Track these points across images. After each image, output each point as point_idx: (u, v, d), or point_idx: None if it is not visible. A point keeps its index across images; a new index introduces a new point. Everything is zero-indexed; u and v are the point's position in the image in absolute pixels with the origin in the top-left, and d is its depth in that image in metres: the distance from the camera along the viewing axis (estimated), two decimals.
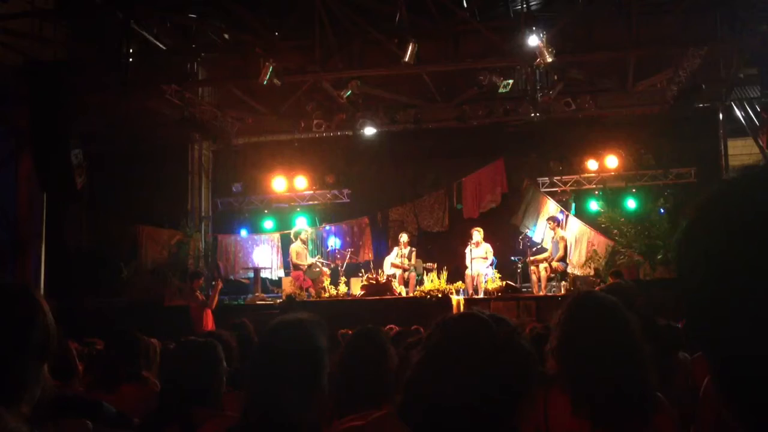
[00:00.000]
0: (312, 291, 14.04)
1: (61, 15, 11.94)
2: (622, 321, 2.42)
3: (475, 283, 13.45)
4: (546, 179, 15.70)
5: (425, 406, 1.46)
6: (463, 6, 12.80)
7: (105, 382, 4.23)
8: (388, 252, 15.01)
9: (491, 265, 13.73)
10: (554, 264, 13.47)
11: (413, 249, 14.48)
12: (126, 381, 4.12)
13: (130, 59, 11.90)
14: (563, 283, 13.38)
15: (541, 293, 13.13)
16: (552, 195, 15.54)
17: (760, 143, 14.28)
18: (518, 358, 1.49)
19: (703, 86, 13.21)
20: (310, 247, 15.42)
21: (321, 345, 2.27)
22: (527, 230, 15.13)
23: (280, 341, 2.30)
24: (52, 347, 1.67)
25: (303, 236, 14.83)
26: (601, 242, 14.38)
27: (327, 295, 13.87)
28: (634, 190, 15.10)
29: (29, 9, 11.54)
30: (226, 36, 13.83)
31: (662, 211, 14.31)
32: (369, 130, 14.96)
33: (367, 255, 16.09)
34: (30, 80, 11.10)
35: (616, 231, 14.26)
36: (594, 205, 15.31)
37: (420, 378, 1.51)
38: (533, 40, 11.71)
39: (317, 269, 14.34)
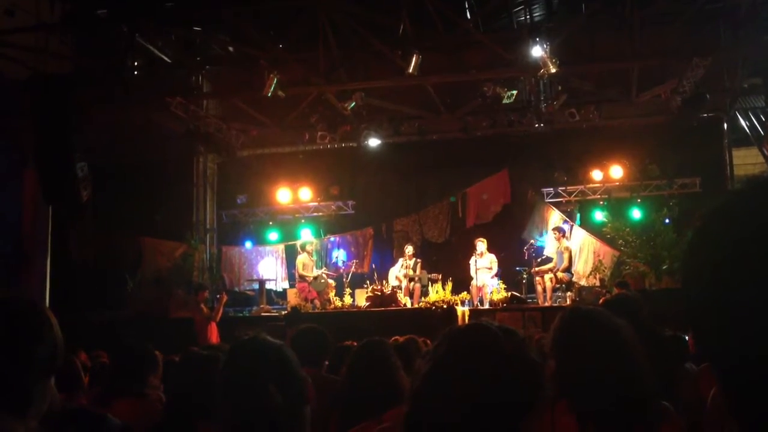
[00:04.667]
0: (317, 302, 14.05)
1: (66, 29, 12.00)
2: (613, 332, 2.41)
3: (480, 294, 13.43)
4: (550, 190, 15.68)
5: (432, 418, 1.45)
6: (467, 17, 12.85)
7: (100, 396, 4.20)
8: (392, 263, 15.00)
9: (496, 275, 13.71)
10: (559, 274, 13.43)
11: (418, 260, 14.46)
12: (121, 397, 4.06)
13: (135, 72, 11.95)
14: (568, 293, 13.34)
15: (546, 304, 13.10)
16: (556, 205, 15.52)
17: (765, 152, 14.26)
18: (527, 369, 1.49)
19: (707, 96, 13.21)
20: (315, 258, 15.42)
21: (283, 353, 2.23)
22: (534, 240, 15.10)
23: (241, 359, 2.26)
24: (59, 361, 1.68)
25: (309, 248, 14.87)
26: (606, 252, 14.35)
27: (332, 306, 13.89)
28: (639, 200, 15.07)
29: (35, 23, 11.59)
30: (231, 49, 13.91)
31: (667, 221, 14.28)
32: (373, 142, 14.97)
33: (367, 267, 15.97)
34: (35, 94, 11.13)
35: (621, 241, 14.23)
36: (599, 216, 15.28)
37: (427, 389, 1.50)
38: (537, 51, 11.73)
39: (323, 281, 14.35)
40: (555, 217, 15.22)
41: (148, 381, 4.24)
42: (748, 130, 14.74)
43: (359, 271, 15.46)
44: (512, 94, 13.30)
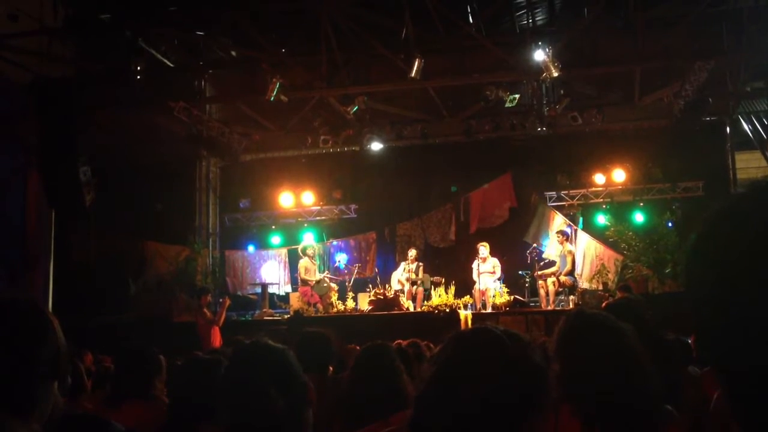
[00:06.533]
0: (320, 306, 14.05)
1: (69, 33, 12.02)
2: (617, 335, 2.41)
3: (483, 298, 13.42)
4: (553, 193, 15.66)
5: (436, 421, 1.45)
6: (469, 21, 12.86)
7: (108, 399, 4.21)
8: (395, 267, 14.99)
9: (499, 279, 13.69)
10: (562, 278, 13.42)
11: (420, 264, 14.45)
12: (130, 399, 4.07)
13: (138, 76, 11.97)
14: (571, 297, 13.33)
15: (549, 308, 13.08)
16: (559, 209, 15.49)
17: None
18: (531, 373, 1.49)
19: (710, 99, 13.20)
20: (318, 262, 15.41)
21: (284, 357, 2.23)
22: (537, 244, 15.07)
23: (244, 365, 2.27)
24: (63, 364, 1.68)
25: (310, 252, 14.85)
26: (609, 256, 14.33)
27: (335, 310, 13.89)
28: (641, 204, 15.05)
29: (38, 27, 11.62)
30: (233, 53, 13.93)
31: (670, 224, 14.26)
32: (376, 146, 14.97)
33: (370, 271, 15.94)
34: (39, 97, 11.15)
35: (624, 245, 14.21)
36: (602, 219, 15.25)
37: (432, 392, 1.50)
38: (539, 55, 11.74)
39: (325, 285, 14.35)
40: (558, 220, 15.20)
41: (155, 384, 4.26)
42: (750, 134, 14.73)
43: (362, 275, 15.45)
44: (515, 98, 13.31)
